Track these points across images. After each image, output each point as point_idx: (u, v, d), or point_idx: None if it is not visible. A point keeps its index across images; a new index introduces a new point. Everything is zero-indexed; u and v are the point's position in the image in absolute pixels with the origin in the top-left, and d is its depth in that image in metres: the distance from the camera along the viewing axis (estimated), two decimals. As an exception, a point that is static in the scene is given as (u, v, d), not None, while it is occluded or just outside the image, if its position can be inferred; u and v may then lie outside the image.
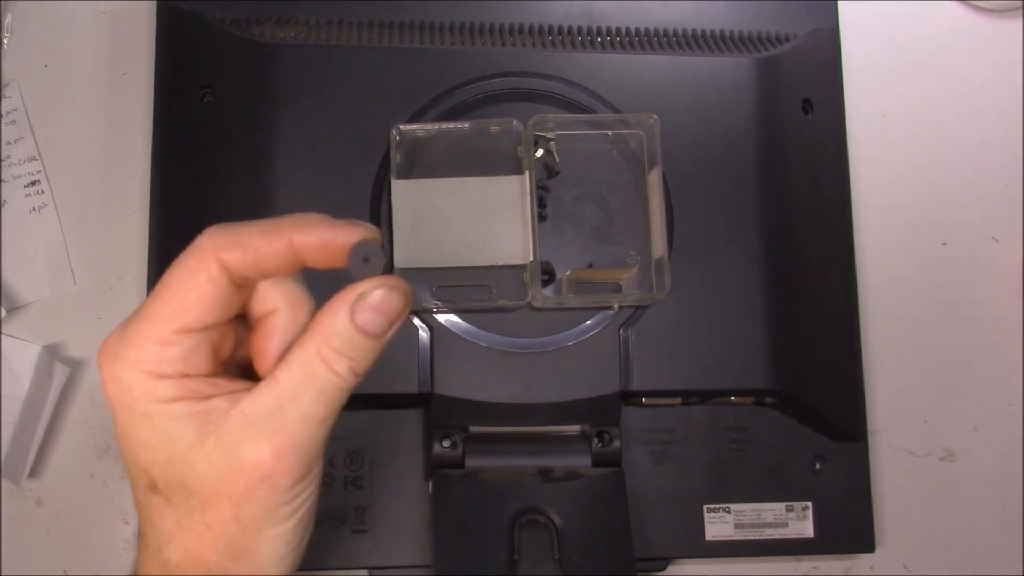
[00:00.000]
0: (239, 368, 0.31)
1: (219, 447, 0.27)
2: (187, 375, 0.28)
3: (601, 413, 0.50)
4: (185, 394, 0.27)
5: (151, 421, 0.27)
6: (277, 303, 0.30)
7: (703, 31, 0.55)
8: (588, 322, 0.50)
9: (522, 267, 0.49)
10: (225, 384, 0.29)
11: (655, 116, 0.50)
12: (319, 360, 0.28)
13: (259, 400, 0.28)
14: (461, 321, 0.49)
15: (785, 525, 0.51)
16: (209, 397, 0.28)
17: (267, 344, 0.30)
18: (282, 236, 0.28)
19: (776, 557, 0.53)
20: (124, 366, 0.28)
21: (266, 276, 0.29)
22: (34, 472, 0.52)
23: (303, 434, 0.28)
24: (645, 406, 0.51)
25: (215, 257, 0.28)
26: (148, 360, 0.27)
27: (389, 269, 0.30)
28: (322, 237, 0.28)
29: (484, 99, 0.51)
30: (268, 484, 0.27)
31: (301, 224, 0.28)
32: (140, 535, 0.30)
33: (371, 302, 0.28)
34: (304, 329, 0.29)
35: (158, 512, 0.29)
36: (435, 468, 0.48)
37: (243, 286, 0.29)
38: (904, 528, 0.55)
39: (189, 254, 0.28)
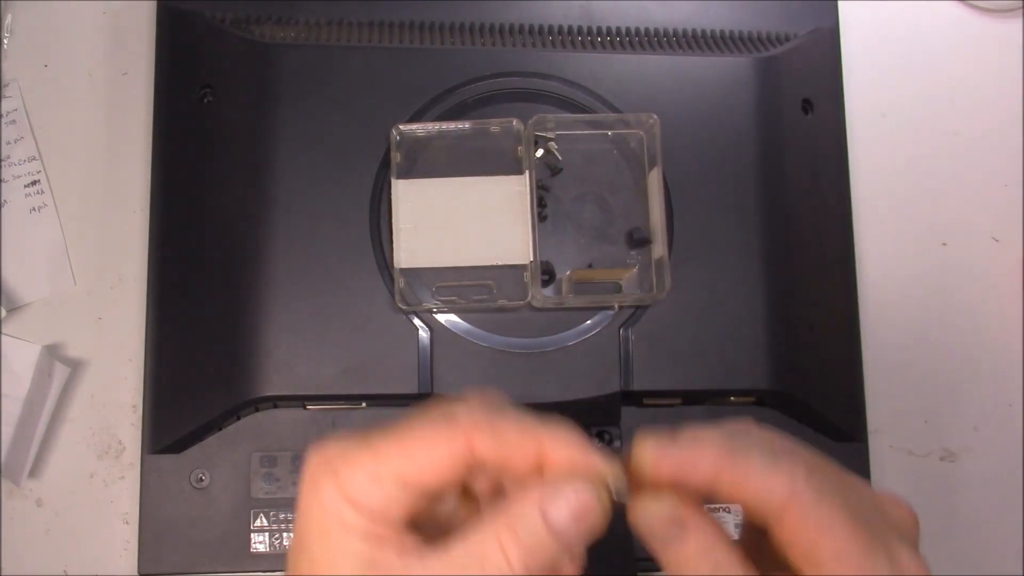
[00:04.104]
0: (429, 531, 0.30)
1: None
2: (380, 517, 0.27)
3: (601, 413, 0.50)
4: (368, 531, 0.27)
5: (325, 540, 0.27)
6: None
7: (703, 31, 0.55)
8: (588, 322, 0.50)
9: (522, 267, 0.49)
10: (406, 538, 0.27)
11: (655, 116, 0.50)
12: (496, 543, 0.27)
13: (425, 563, 0.27)
14: (461, 321, 0.49)
15: (785, 525, 0.51)
16: (385, 544, 0.27)
17: None
18: (535, 439, 0.27)
19: (776, 557, 0.53)
20: (329, 477, 0.27)
21: (504, 470, 0.28)
22: (34, 472, 0.52)
23: None
24: (645, 406, 0.51)
25: (467, 434, 0.27)
26: (355, 487, 0.27)
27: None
28: (572, 457, 0.27)
29: (484, 99, 0.51)
30: None
31: (556, 436, 0.28)
32: None
33: (567, 498, 0.27)
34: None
35: None
36: (435, 468, 0.48)
37: (474, 469, 0.28)
38: (904, 528, 0.55)
39: (444, 417, 0.27)
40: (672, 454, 0.28)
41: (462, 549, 0.27)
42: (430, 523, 0.30)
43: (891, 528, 0.28)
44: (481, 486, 0.31)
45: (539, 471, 0.28)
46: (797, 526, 0.27)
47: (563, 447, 0.27)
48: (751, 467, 0.27)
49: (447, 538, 0.27)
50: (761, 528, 0.29)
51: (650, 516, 0.29)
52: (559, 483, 0.27)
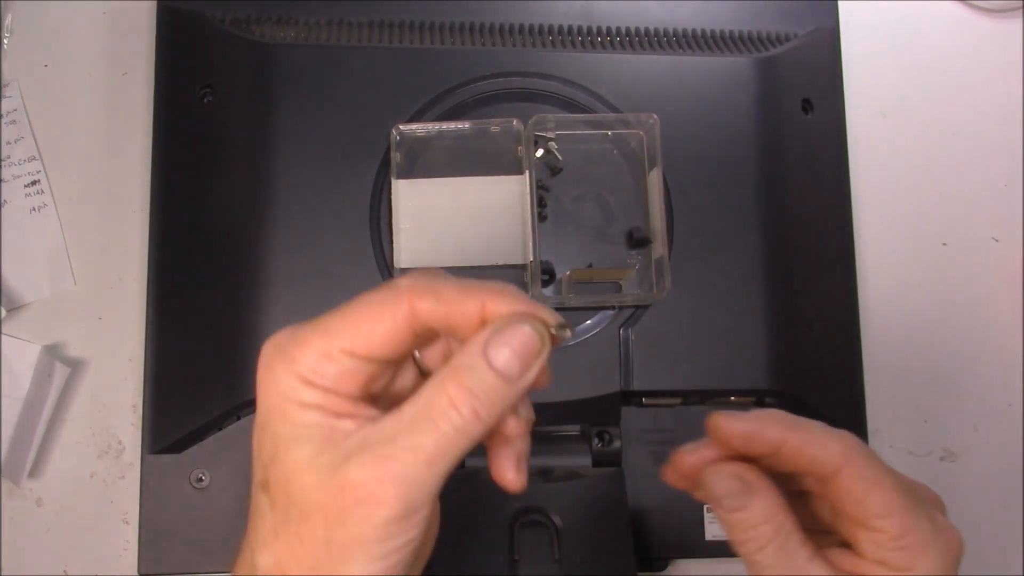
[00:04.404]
0: (390, 407, 0.30)
1: (329, 463, 0.27)
2: (333, 391, 0.28)
3: (601, 413, 0.50)
4: (323, 405, 0.27)
5: (284, 419, 0.28)
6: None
7: (703, 31, 0.55)
8: (588, 322, 0.50)
9: (522, 267, 0.49)
10: (363, 410, 0.28)
11: (655, 116, 0.50)
12: (443, 393, 0.27)
13: (379, 426, 0.27)
14: (461, 321, 0.49)
15: (785, 525, 0.51)
16: (343, 416, 0.28)
17: None
18: (477, 298, 0.28)
19: (776, 557, 0.53)
20: (282, 361, 0.28)
21: (449, 332, 0.29)
22: (34, 472, 0.52)
23: (409, 466, 0.27)
24: (645, 406, 0.51)
25: (408, 299, 0.28)
26: (305, 365, 0.27)
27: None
28: (516, 308, 0.28)
29: (484, 99, 0.51)
30: (363, 511, 0.26)
31: (497, 292, 0.28)
32: (245, 534, 0.30)
33: (505, 337, 0.27)
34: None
35: (260, 513, 0.29)
36: (435, 468, 0.48)
37: (420, 335, 0.29)
38: (904, 528, 0.55)
39: (386, 288, 0.28)
40: (744, 421, 0.31)
41: (412, 407, 0.27)
42: (389, 401, 0.30)
43: (927, 500, 0.32)
44: (435, 362, 0.31)
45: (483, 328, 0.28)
46: (851, 482, 0.30)
47: (504, 302, 0.28)
48: (813, 434, 0.31)
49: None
50: (803, 494, 0.33)
51: (722, 478, 0.31)
52: (498, 326, 0.28)
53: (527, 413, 0.31)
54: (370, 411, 0.28)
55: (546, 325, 0.28)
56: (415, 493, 0.27)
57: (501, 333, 0.27)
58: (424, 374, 0.31)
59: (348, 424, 0.27)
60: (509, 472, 0.31)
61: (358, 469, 0.26)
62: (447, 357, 0.31)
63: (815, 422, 0.31)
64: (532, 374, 0.28)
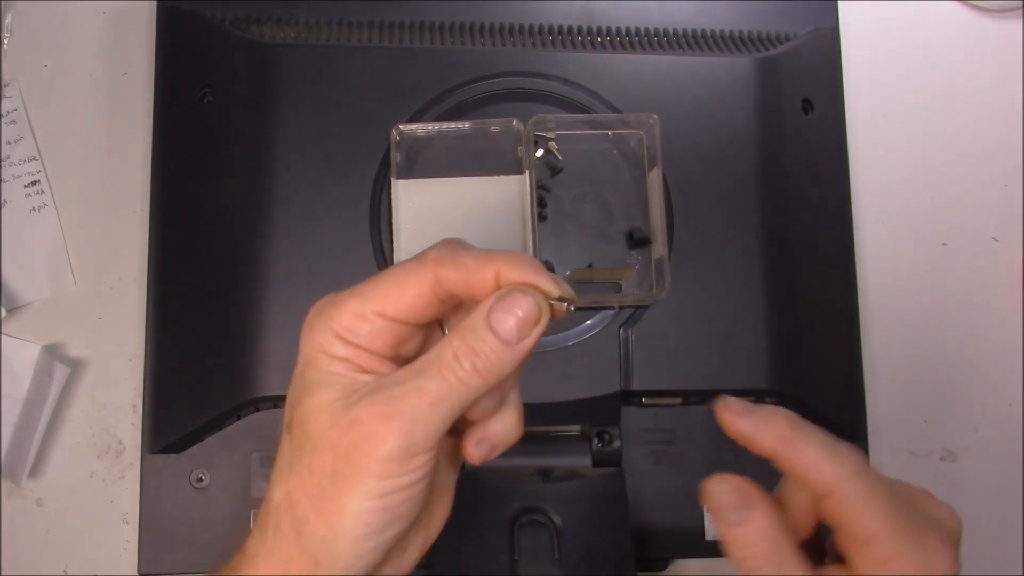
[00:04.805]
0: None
1: (345, 404, 0.30)
2: (363, 348, 0.31)
3: (601, 413, 0.50)
4: (352, 358, 0.31)
5: (315, 367, 0.31)
6: None
7: (703, 31, 0.55)
8: (588, 322, 0.50)
9: (522, 267, 0.49)
10: (389, 367, 0.31)
11: (655, 116, 0.50)
12: (449, 348, 0.30)
13: (393, 376, 0.30)
14: (461, 321, 0.49)
15: (785, 525, 0.51)
16: (367, 371, 0.31)
17: None
18: (492, 266, 0.30)
19: (776, 557, 0.53)
20: (321, 319, 0.31)
21: (469, 298, 0.31)
22: (34, 472, 0.52)
23: (413, 406, 0.29)
24: (645, 406, 0.51)
25: (433, 268, 0.30)
26: (341, 323, 0.31)
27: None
28: (525, 278, 0.30)
29: (484, 99, 0.51)
30: (367, 445, 0.29)
31: (511, 260, 0.30)
32: (270, 476, 0.32)
33: (504, 302, 0.30)
34: None
35: (282, 451, 0.31)
36: (435, 468, 0.48)
37: (445, 301, 0.31)
38: (904, 528, 0.55)
39: (416, 258, 0.31)
40: (744, 421, 0.32)
41: (423, 359, 0.30)
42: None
43: (927, 522, 0.31)
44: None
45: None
46: (840, 505, 0.30)
47: (515, 269, 0.30)
48: (808, 454, 0.31)
49: None
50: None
51: (724, 489, 0.32)
52: (502, 294, 0.30)
53: (515, 407, 0.34)
54: (394, 368, 0.31)
55: (548, 297, 0.30)
56: (416, 432, 0.29)
57: (503, 300, 0.30)
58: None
59: (369, 378, 0.31)
60: (473, 450, 0.33)
61: (367, 407, 0.29)
62: None
63: (817, 435, 0.32)
64: (531, 340, 0.30)
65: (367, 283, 0.31)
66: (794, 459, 0.31)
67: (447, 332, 0.34)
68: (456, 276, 0.30)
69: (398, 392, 0.29)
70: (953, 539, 0.32)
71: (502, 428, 0.33)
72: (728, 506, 0.32)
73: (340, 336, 0.31)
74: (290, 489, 0.30)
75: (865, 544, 0.30)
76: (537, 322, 0.30)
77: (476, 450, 0.33)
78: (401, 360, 0.32)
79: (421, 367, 0.30)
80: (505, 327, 0.30)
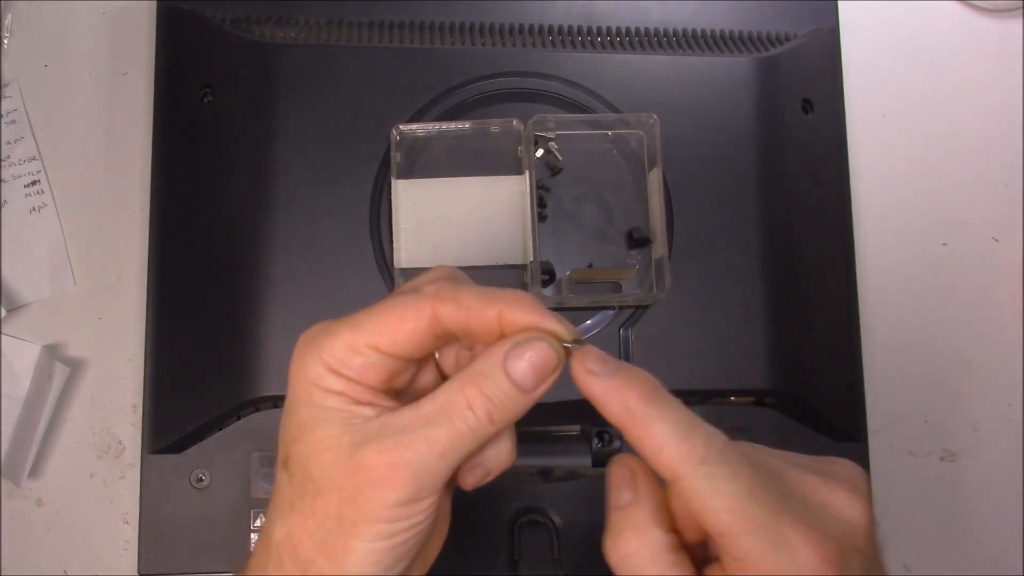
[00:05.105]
0: (409, 402, 0.32)
1: (349, 444, 0.29)
2: (357, 381, 0.30)
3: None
4: (346, 392, 0.30)
5: (309, 401, 0.30)
6: None
7: (703, 31, 0.55)
8: (588, 322, 0.50)
9: (522, 267, 0.49)
10: (384, 400, 0.30)
11: (655, 116, 0.50)
12: (460, 395, 0.29)
13: (398, 416, 0.29)
14: (461, 321, 0.49)
15: (785, 525, 0.51)
16: (363, 404, 0.30)
17: None
18: (494, 306, 0.30)
19: (776, 557, 0.53)
20: (313, 350, 0.30)
21: (467, 336, 0.31)
22: (34, 472, 0.52)
23: (423, 456, 0.29)
24: (645, 406, 0.51)
25: (432, 304, 0.30)
26: (333, 356, 0.30)
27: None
28: (529, 320, 0.30)
29: (484, 99, 0.51)
30: (376, 492, 0.28)
31: (513, 301, 0.30)
32: (266, 509, 0.32)
33: (523, 350, 0.29)
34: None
35: (280, 488, 0.31)
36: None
37: (441, 338, 0.30)
38: (904, 528, 0.55)
39: (413, 292, 0.30)
40: (603, 379, 0.30)
41: (431, 403, 0.30)
42: (410, 397, 0.32)
43: (801, 513, 0.28)
44: (447, 364, 0.33)
45: (500, 335, 0.30)
46: (684, 499, 0.28)
47: (520, 311, 0.30)
48: (656, 432, 0.29)
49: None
50: None
51: (612, 469, 0.31)
52: (519, 339, 0.30)
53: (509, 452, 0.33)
54: (389, 402, 0.30)
55: (562, 341, 0.30)
56: (425, 480, 0.29)
57: (521, 347, 0.29)
58: (444, 375, 0.33)
59: (367, 411, 0.30)
60: (466, 476, 0.32)
61: (376, 454, 0.29)
62: (458, 360, 0.33)
63: (673, 411, 0.29)
64: (546, 387, 0.30)
65: (362, 314, 0.30)
66: (640, 436, 0.29)
67: (449, 373, 0.33)
68: (456, 314, 0.30)
69: (407, 439, 0.29)
70: (844, 530, 0.29)
71: (496, 454, 0.32)
72: (615, 483, 0.31)
73: (333, 369, 0.30)
74: (291, 529, 0.30)
75: (719, 540, 0.28)
76: (555, 369, 0.30)
77: (470, 476, 0.32)
78: (393, 392, 0.31)
79: (431, 415, 0.29)
80: (524, 376, 0.29)
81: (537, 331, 0.30)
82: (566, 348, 0.30)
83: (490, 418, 0.29)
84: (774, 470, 0.29)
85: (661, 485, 0.30)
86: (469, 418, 0.29)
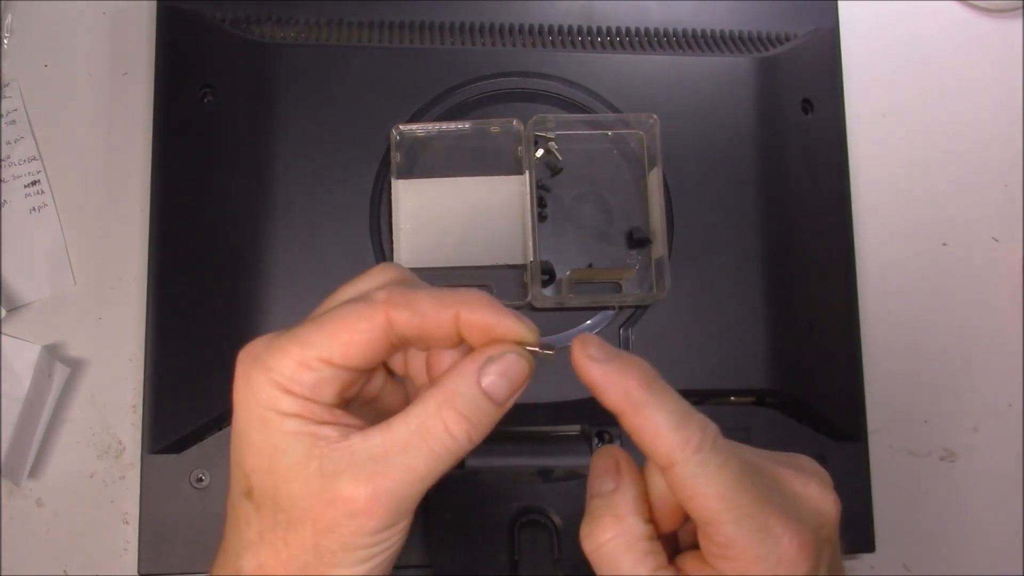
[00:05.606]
0: (361, 409, 0.32)
1: (319, 473, 0.28)
2: (311, 399, 0.28)
3: (601, 413, 0.49)
4: (303, 413, 0.28)
5: (265, 428, 0.28)
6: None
7: (703, 31, 0.55)
8: (588, 322, 0.50)
9: (522, 267, 0.49)
10: (342, 416, 0.29)
11: (655, 116, 0.50)
12: (438, 418, 0.28)
13: (369, 441, 0.28)
14: (461, 321, 0.49)
15: (785, 525, 0.51)
16: (323, 423, 0.28)
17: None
18: (451, 309, 0.29)
19: (776, 557, 0.53)
20: (259, 370, 0.29)
21: (423, 342, 0.30)
22: (34, 472, 0.52)
23: (402, 484, 0.28)
24: (645, 406, 0.51)
25: (384, 311, 0.28)
26: (283, 374, 0.28)
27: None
28: (487, 321, 0.29)
29: (484, 99, 0.51)
30: (355, 523, 0.28)
31: (470, 302, 0.29)
32: (223, 538, 0.30)
33: (499, 366, 0.29)
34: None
35: (245, 519, 0.29)
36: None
37: (396, 345, 0.29)
38: (904, 528, 0.55)
39: (363, 299, 0.29)
40: (603, 364, 0.29)
41: (404, 427, 0.28)
42: (361, 403, 0.31)
43: (783, 504, 0.29)
44: (398, 365, 0.32)
45: (458, 338, 0.29)
46: (676, 485, 0.29)
47: (477, 312, 0.29)
48: (653, 419, 0.29)
49: (384, 419, 0.29)
50: None
51: (596, 458, 0.31)
52: (492, 355, 0.29)
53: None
54: (349, 418, 0.29)
55: (526, 344, 0.29)
56: (404, 506, 0.28)
57: (496, 364, 0.29)
58: (392, 374, 0.32)
59: (330, 431, 0.28)
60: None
61: (352, 485, 0.27)
62: (407, 360, 0.32)
63: (671, 400, 0.29)
64: (517, 396, 0.30)
65: (308, 326, 0.29)
66: (637, 423, 0.29)
67: (399, 372, 0.32)
68: (411, 320, 0.28)
69: (383, 468, 0.28)
70: (818, 521, 0.30)
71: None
72: (598, 472, 0.31)
73: (285, 389, 0.28)
74: (263, 561, 0.29)
75: (705, 527, 0.29)
76: (526, 378, 0.30)
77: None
78: (346, 402, 0.30)
79: (407, 441, 0.28)
80: (500, 391, 0.29)
81: (502, 338, 0.29)
82: (531, 351, 0.30)
83: (469, 438, 0.29)
84: (755, 463, 0.30)
85: (642, 476, 0.31)
86: (448, 441, 0.28)
